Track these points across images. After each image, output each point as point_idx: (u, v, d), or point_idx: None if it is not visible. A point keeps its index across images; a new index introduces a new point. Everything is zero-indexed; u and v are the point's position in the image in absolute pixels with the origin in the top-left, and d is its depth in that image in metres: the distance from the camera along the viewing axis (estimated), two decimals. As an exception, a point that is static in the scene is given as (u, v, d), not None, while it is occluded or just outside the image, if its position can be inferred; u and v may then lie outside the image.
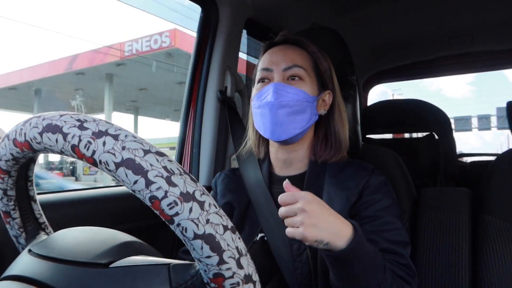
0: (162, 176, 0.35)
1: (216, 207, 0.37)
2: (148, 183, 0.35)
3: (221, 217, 0.37)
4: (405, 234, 0.86)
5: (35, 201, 0.56)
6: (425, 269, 1.06)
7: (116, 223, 1.15)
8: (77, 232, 0.51)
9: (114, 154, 0.35)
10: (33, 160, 0.51)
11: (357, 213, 0.85)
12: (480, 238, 1.05)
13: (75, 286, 0.40)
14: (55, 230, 0.55)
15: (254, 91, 0.93)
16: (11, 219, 0.54)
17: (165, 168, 0.36)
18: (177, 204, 0.35)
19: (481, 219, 1.07)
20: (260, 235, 0.91)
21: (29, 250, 0.48)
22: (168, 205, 0.35)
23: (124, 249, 0.45)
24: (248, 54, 1.68)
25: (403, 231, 0.85)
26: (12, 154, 0.44)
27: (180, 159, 1.47)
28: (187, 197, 0.35)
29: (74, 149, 0.37)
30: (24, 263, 0.46)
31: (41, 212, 0.58)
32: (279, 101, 0.86)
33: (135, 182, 0.35)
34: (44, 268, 0.44)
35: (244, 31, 1.53)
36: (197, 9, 1.45)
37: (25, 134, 0.40)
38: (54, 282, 0.41)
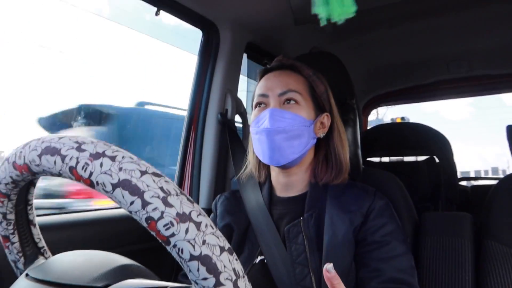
0: (158, 197, 0.35)
1: (212, 228, 0.37)
2: (145, 203, 0.35)
3: (217, 238, 0.37)
4: (411, 258, 0.85)
5: (34, 225, 0.56)
6: None
7: (116, 245, 1.14)
8: (74, 256, 0.50)
9: (111, 175, 0.35)
10: (33, 184, 0.51)
11: (364, 238, 0.85)
12: (482, 264, 1.03)
13: None
14: (53, 253, 0.54)
15: (252, 117, 0.94)
16: (10, 243, 0.54)
17: (161, 188, 0.36)
18: (173, 225, 0.35)
19: (483, 244, 1.05)
20: (259, 257, 0.90)
21: (26, 275, 0.48)
22: (164, 225, 0.35)
23: (121, 272, 0.45)
24: (248, 77, 1.70)
25: (410, 255, 0.85)
26: (11, 177, 0.44)
27: (180, 181, 1.47)
28: (183, 217, 0.35)
29: (72, 170, 0.37)
30: None
31: (40, 236, 0.57)
32: (275, 127, 0.86)
33: (132, 203, 0.35)
34: None
35: (245, 55, 1.56)
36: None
37: (24, 157, 0.41)
38: None
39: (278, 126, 0.86)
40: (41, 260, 0.55)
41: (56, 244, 0.63)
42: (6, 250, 0.55)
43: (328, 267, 0.59)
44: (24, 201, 0.53)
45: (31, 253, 0.55)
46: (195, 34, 1.47)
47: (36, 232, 0.56)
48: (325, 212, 0.88)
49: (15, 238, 0.53)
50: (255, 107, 0.94)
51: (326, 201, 0.90)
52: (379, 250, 0.82)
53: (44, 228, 0.62)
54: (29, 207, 0.54)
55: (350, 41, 1.92)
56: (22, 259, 0.55)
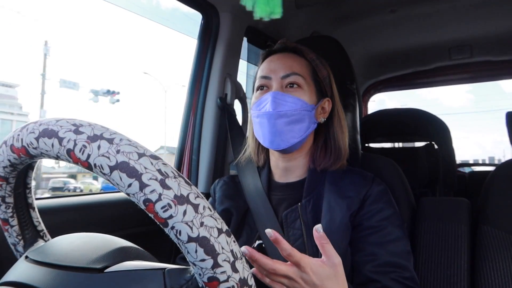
0: (156, 179, 0.35)
1: (210, 210, 0.37)
2: (142, 186, 0.35)
3: (215, 220, 0.37)
4: (408, 243, 0.86)
5: (33, 208, 0.56)
6: (423, 279, 1.05)
7: (115, 229, 1.15)
8: (73, 238, 0.50)
9: (108, 158, 0.35)
10: (31, 167, 0.51)
11: (360, 223, 0.85)
12: (478, 249, 1.04)
13: None
14: (52, 236, 0.55)
15: (253, 99, 0.93)
16: (9, 226, 0.54)
17: (159, 171, 0.36)
18: (171, 207, 0.35)
19: (480, 229, 1.06)
20: (258, 242, 0.91)
21: (26, 257, 0.48)
22: (162, 208, 0.35)
23: (120, 254, 0.45)
24: (248, 61, 1.69)
25: (406, 240, 0.86)
26: (9, 160, 0.44)
27: (179, 166, 1.47)
28: (181, 199, 0.35)
29: (70, 153, 0.37)
30: (21, 270, 0.46)
31: (40, 219, 0.57)
32: (277, 111, 0.85)
33: (129, 185, 0.35)
34: (40, 273, 0.44)
35: (245, 39, 1.54)
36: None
37: (22, 139, 0.41)
38: (50, 287, 0.41)
39: (280, 110, 0.86)
40: (40, 243, 0.56)
41: (55, 227, 0.64)
42: (6, 233, 0.55)
43: (317, 226, 0.62)
44: (23, 184, 0.53)
45: (31, 236, 0.56)
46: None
47: (35, 216, 0.57)
48: (323, 198, 0.88)
49: (14, 221, 0.54)
50: (257, 89, 0.93)
51: (324, 187, 0.90)
52: (375, 235, 0.83)
53: (43, 211, 0.62)
54: (27, 191, 0.54)
55: (351, 26, 1.89)
56: (21, 242, 0.55)
